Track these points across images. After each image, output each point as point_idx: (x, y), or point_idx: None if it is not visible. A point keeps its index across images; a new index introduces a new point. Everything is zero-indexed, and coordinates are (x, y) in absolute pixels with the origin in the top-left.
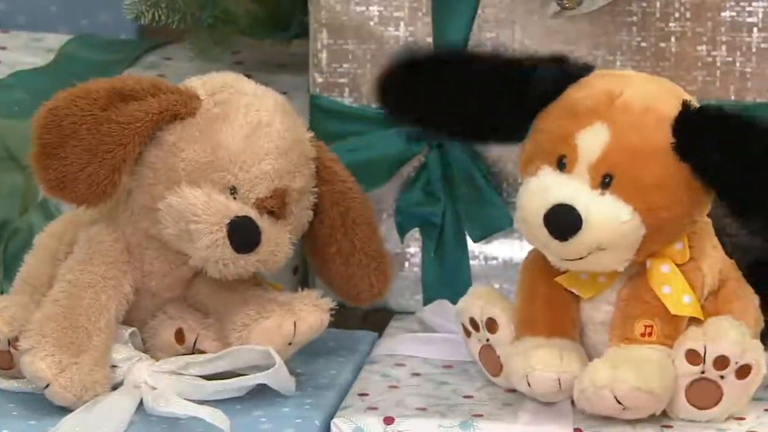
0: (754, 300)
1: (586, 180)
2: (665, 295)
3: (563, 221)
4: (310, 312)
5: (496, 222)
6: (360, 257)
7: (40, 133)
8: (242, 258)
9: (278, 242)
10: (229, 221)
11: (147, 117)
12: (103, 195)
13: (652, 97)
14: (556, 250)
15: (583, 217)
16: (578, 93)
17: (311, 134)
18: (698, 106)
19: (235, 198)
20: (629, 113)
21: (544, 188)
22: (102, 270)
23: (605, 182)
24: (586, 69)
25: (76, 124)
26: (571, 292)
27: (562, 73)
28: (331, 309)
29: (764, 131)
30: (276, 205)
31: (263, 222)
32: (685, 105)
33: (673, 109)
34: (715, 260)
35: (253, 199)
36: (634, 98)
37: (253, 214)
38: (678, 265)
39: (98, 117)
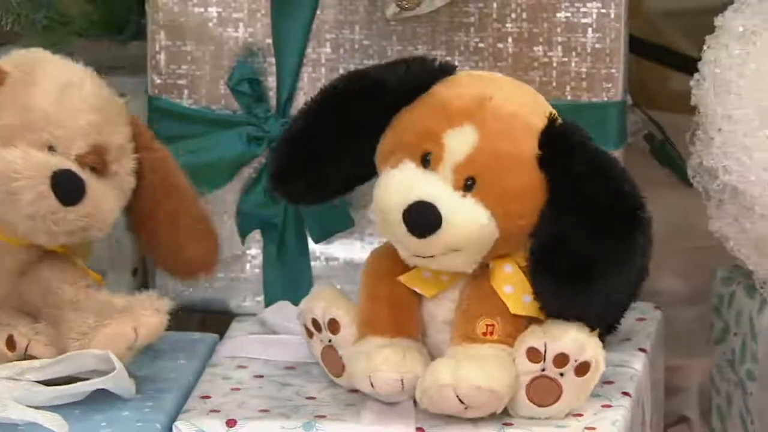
0: None
1: (449, 180)
2: (507, 294)
3: (423, 219)
4: (149, 315)
5: (337, 223)
6: (186, 222)
7: None
8: (70, 211)
9: (103, 197)
10: (51, 173)
11: None
12: None
13: (521, 105)
14: (411, 247)
15: (443, 217)
16: (448, 91)
17: (124, 99)
18: (562, 121)
19: (54, 155)
20: (499, 119)
21: (406, 183)
22: None
23: (468, 185)
24: (450, 67)
25: None
26: (414, 292)
27: (425, 67)
28: (170, 311)
29: (616, 167)
30: (96, 162)
31: (86, 176)
32: (552, 118)
33: (539, 120)
34: None
35: (73, 155)
36: (505, 104)
37: (74, 167)
38: (520, 267)
39: None
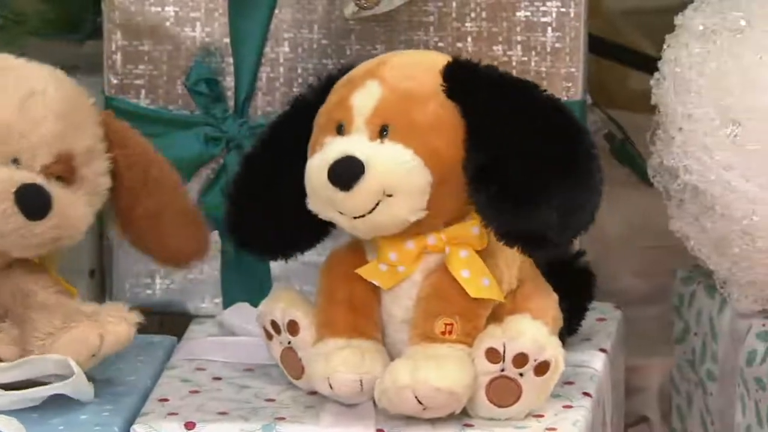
0: (553, 298)
1: (364, 134)
2: (465, 279)
3: (344, 169)
4: (117, 324)
5: None
6: (170, 215)
7: None
8: (37, 225)
9: (72, 206)
10: (15, 189)
11: None
12: None
13: (422, 55)
14: (344, 205)
15: (364, 163)
16: (349, 73)
17: (93, 100)
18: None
19: (18, 168)
20: (399, 68)
21: (324, 152)
22: None
23: (383, 133)
24: (346, 67)
25: None
26: (373, 292)
27: (328, 76)
28: (138, 323)
29: (526, 82)
30: (63, 171)
31: (53, 187)
32: (455, 57)
33: (441, 62)
34: (512, 257)
35: (38, 167)
36: (404, 57)
37: (39, 180)
38: (477, 252)
39: None
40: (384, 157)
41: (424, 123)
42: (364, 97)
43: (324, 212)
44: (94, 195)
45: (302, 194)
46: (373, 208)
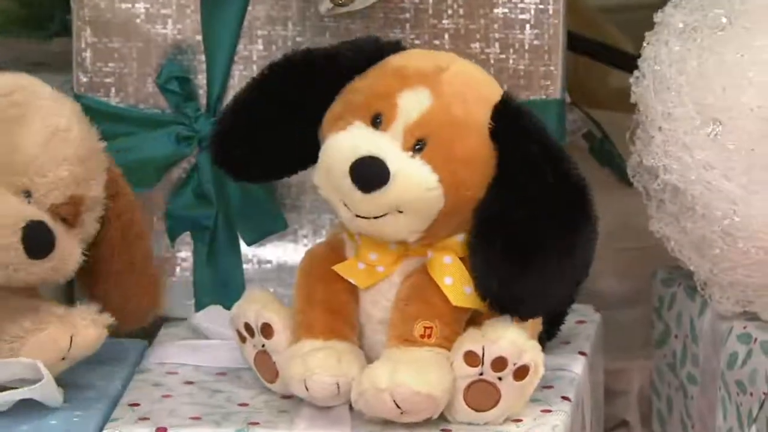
0: None
1: (399, 140)
2: (447, 286)
3: (371, 172)
4: (88, 326)
5: (270, 224)
6: (138, 276)
7: None
8: (35, 264)
9: (70, 250)
10: (24, 224)
11: None
12: None
13: (476, 76)
14: (356, 204)
15: (391, 173)
16: (403, 60)
17: (104, 144)
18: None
19: (29, 202)
20: (454, 85)
21: (355, 141)
22: None
23: (417, 147)
24: (401, 45)
25: None
26: (350, 292)
27: (377, 44)
28: (109, 325)
29: (566, 153)
30: (70, 213)
31: (57, 228)
32: (507, 92)
33: (494, 93)
34: None
35: (48, 205)
36: (461, 73)
37: (47, 219)
38: (460, 258)
39: None
40: (412, 174)
41: (460, 156)
42: (412, 102)
43: (329, 195)
44: (85, 239)
45: (290, 125)
46: (380, 216)
